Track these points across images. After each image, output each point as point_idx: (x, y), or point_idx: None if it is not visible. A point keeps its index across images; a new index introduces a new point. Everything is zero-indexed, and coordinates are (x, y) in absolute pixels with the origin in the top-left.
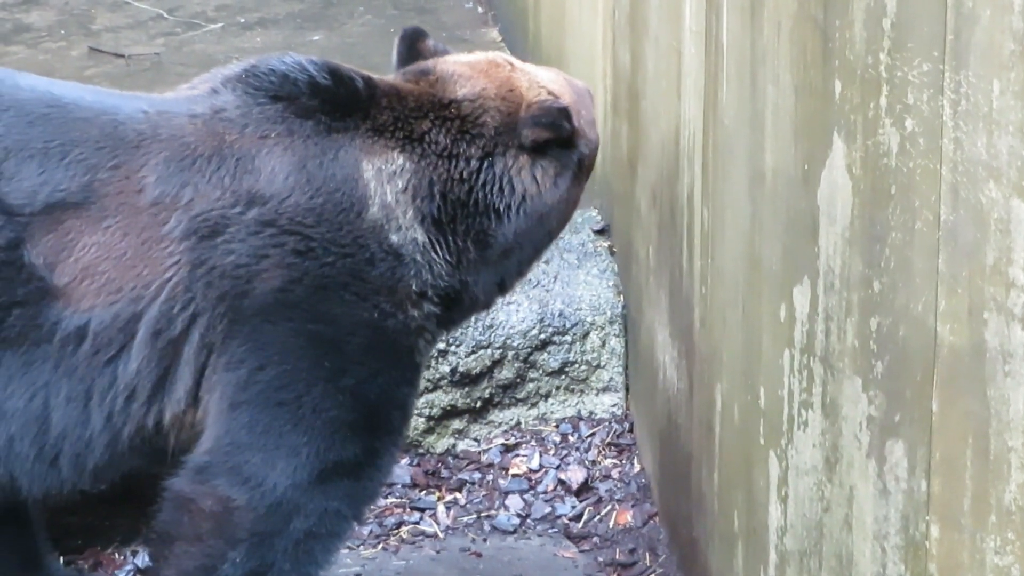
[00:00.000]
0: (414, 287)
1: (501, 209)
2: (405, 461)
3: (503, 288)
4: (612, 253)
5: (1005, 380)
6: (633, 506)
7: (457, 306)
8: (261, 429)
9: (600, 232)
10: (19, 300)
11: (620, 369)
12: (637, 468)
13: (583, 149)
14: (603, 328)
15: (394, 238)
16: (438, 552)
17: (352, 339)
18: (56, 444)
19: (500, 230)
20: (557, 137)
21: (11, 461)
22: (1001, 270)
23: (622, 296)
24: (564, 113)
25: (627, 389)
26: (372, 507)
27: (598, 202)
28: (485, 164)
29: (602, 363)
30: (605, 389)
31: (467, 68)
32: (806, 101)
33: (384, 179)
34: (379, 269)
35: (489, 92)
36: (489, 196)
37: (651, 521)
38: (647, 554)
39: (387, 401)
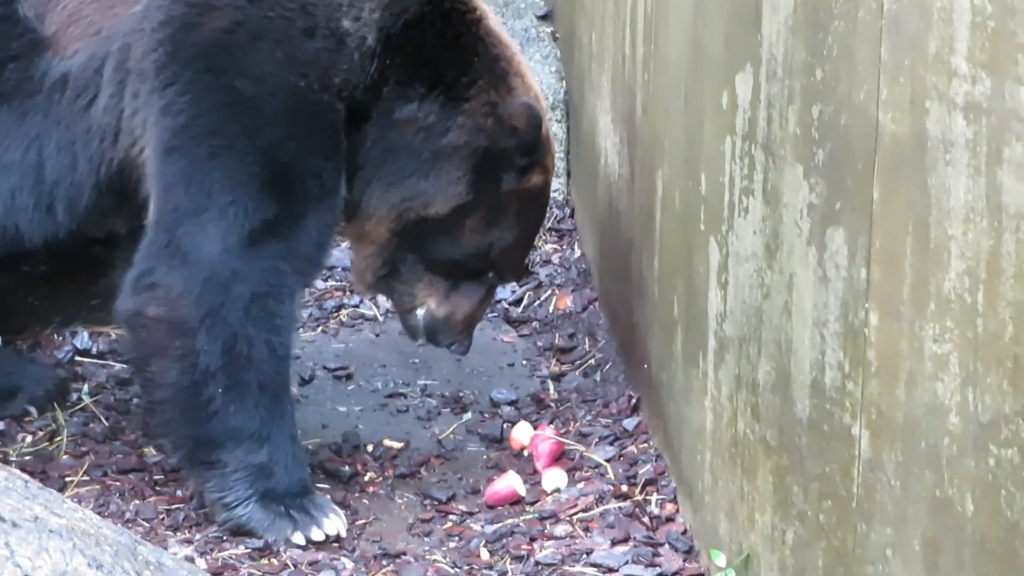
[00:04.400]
0: (341, 79)
1: (423, 92)
2: (345, 244)
3: (353, 206)
4: (555, 39)
5: (946, 169)
6: (573, 291)
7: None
8: (195, 188)
9: (543, 18)
10: (14, 54)
11: (561, 155)
12: (578, 253)
13: (509, 179)
14: (544, 114)
15: (347, 23)
16: (377, 335)
17: (272, 99)
18: (51, 192)
19: (406, 106)
20: (529, 127)
21: (15, 212)
22: (943, 59)
23: (564, 82)
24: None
25: (568, 175)
26: (313, 272)
27: None
28: (458, 84)
29: None
30: None
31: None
32: None
33: None
34: (318, 44)
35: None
36: (433, 89)
37: (591, 306)
38: (586, 339)
39: (301, 166)
